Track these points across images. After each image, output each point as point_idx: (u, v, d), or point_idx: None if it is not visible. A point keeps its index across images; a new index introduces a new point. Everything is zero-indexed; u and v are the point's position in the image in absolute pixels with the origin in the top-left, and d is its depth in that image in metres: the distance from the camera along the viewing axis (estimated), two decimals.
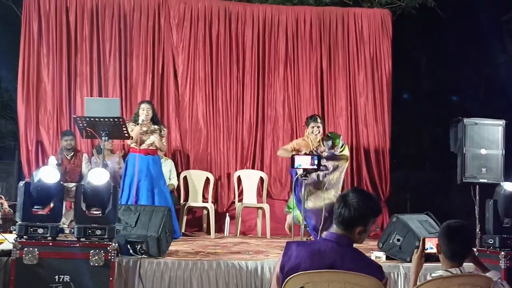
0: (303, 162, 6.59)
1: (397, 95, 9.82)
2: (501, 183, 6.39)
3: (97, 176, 5.37)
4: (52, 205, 5.40)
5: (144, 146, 7.62)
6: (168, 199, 7.69)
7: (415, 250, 3.81)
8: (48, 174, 5.31)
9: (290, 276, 3.09)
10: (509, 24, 9.30)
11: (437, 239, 3.74)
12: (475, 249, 5.49)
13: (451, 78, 9.60)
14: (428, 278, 3.61)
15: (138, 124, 7.57)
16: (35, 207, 5.32)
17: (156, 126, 7.77)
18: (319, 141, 7.84)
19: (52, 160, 8.45)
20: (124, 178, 7.68)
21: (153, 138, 7.67)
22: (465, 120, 7.79)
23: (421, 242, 3.81)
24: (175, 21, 9.47)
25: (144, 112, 7.66)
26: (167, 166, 8.84)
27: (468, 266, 3.75)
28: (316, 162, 6.51)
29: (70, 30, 9.20)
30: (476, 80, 9.10)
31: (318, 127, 7.83)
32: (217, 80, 9.52)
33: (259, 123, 9.59)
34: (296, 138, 9.06)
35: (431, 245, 3.81)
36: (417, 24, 9.66)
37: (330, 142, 7.78)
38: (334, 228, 3.22)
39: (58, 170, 5.49)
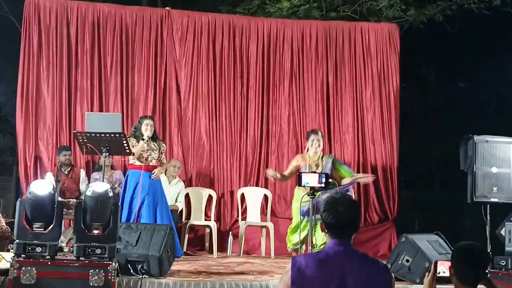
0: (311, 180, 6.41)
1: (405, 111, 9.64)
2: None
3: (98, 185, 5.27)
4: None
5: (146, 163, 7.45)
6: (170, 217, 7.51)
7: (427, 274, 3.63)
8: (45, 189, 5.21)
9: None
10: None
11: (449, 262, 3.56)
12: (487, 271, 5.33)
13: (461, 94, 9.48)
14: None
15: (140, 139, 7.38)
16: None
17: (155, 144, 7.58)
18: (318, 157, 7.65)
19: (49, 176, 8.28)
20: (123, 195, 7.49)
21: (154, 156, 7.50)
22: (476, 137, 7.63)
23: (433, 265, 3.64)
24: (178, 34, 9.33)
25: (148, 128, 7.47)
26: (178, 188, 8.67)
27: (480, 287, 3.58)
28: (324, 180, 6.31)
29: (70, 43, 9.05)
30: (487, 97, 8.97)
31: (318, 140, 7.66)
32: (221, 95, 9.36)
33: (264, 139, 9.41)
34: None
35: (444, 269, 3.63)
36: (426, 39, 9.52)
37: (330, 164, 7.59)
38: (331, 237, 3.25)
39: (57, 186, 5.40)
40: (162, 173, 7.90)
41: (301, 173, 6.50)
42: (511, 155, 7.64)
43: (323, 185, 6.31)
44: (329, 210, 3.23)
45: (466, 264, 3.45)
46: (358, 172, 9.21)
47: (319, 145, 7.67)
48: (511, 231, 6.02)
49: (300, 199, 6.84)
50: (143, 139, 7.37)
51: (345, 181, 7.59)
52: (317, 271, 3.09)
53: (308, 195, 6.25)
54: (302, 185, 6.37)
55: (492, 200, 7.57)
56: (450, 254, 3.68)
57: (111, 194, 5.41)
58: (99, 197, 5.27)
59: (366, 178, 8.03)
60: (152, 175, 7.48)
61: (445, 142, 8.98)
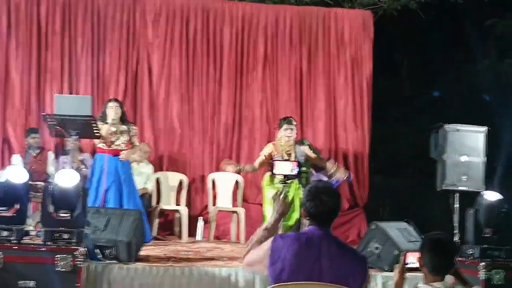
0: (284, 168, 6.45)
1: (377, 98, 9.67)
2: (482, 192, 6.33)
3: (65, 178, 5.18)
4: (17, 207, 5.23)
5: (112, 147, 7.35)
6: (137, 202, 7.42)
7: (396, 265, 3.69)
8: (15, 173, 5.14)
9: (272, 286, 3.14)
10: (492, 29, 9.24)
11: (418, 252, 3.59)
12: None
13: (433, 83, 9.54)
14: None
15: (106, 123, 7.27)
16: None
17: (124, 127, 7.46)
18: (290, 146, 7.52)
19: (16, 158, 8.17)
20: (91, 179, 7.38)
21: (123, 140, 7.39)
22: (446, 126, 7.68)
23: (402, 257, 3.72)
24: (151, 17, 9.21)
25: (113, 110, 7.34)
26: (148, 170, 8.64)
27: (448, 277, 3.61)
28: (297, 168, 6.37)
29: (40, 23, 8.90)
30: (458, 85, 9.04)
31: (292, 129, 7.47)
32: (193, 79, 9.28)
33: (236, 124, 9.36)
34: (274, 140, 8.87)
35: (413, 260, 3.67)
36: (399, 26, 9.54)
37: (302, 148, 7.51)
38: (312, 224, 3.33)
39: (26, 170, 5.34)
40: (135, 155, 7.82)
41: (274, 161, 6.51)
42: (481, 144, 7.72)
43: (296, 173, 6.35)
44: (312, 200, 3.30)
45: (435, 255, 3.48)
46: (329, 158, 9.22)
47: (291, 134, 7.48)
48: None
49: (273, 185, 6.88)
50: (106, 123, 7.27)
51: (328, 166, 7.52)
52: (294, 251, 3.19)
53: (281, 183, 6.27)
54: (275, 173, 6.38)
55: (461, 188, 7.65)
56: (419, 242, 3.71)
57: (80, 181, 5.34)
58: (67, 187, 5.22)
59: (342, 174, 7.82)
60: (120, 156, 7.38)
61: (416, 129, 9.03)
